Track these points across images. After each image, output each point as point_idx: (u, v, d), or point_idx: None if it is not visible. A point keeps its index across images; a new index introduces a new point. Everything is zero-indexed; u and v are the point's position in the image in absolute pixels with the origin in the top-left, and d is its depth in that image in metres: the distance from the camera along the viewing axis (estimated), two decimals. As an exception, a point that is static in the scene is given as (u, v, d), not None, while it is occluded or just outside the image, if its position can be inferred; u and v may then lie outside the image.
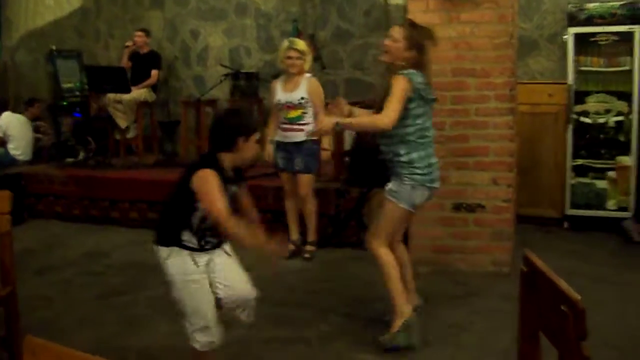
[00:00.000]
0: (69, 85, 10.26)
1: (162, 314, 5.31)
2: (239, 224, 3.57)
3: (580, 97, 7.38)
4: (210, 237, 3.77)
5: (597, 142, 7.37)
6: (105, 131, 10.26)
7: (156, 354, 4.68)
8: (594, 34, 7.26)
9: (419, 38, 4.53)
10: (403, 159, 4.50)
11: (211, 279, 3.79)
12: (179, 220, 3.71)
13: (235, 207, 3.76)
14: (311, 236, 6.87)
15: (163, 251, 3.73)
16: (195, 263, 3.72)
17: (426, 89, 4.51)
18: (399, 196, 4.53)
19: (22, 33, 12.70)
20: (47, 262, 6.83)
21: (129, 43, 10.10)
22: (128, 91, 9.55)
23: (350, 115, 4.70)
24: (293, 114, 6.52)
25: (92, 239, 7.74)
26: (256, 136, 3.74)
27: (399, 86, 4.36)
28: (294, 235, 6.90)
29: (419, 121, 4.51)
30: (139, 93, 9.77)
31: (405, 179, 4.51)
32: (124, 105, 9.72)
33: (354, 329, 4.94)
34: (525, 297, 2.55)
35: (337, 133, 7.56)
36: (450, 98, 5.99)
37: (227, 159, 3.70)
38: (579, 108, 7.39)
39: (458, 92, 5.98)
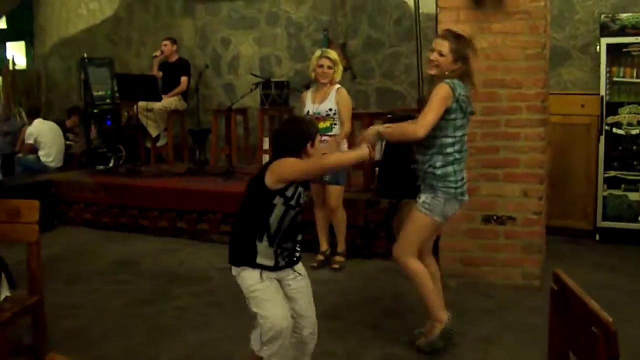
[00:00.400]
0: (100, 93, 10.31)
1: (189, 324, 5.32)
2: (328, 155, 3.99)
3: (612, 108, 7.30)
4: (285, 244, 3.76)
5: (630, 154, 7.28)
6: (136, 139, 10.33)
7: (183, 365, 4.67)
8: (626, 45, 7.18)
9: (464, 49, 4.52)
10: (438, 172, 4.47)
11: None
12: (254, 229, 3.70)
13: (302, 207, 3.81)
14: (340, 247, 6.84)
15: (243, 269, 3.74)
16: (262, 278, 3.73)
17: (467, 101, 4.50)
18: (431, 208, 4.50)
19: (54, 41, 12.82)
20: (76, 270, 6.86)
21: (156, 53, 10.18)
22: (159, 99, 9.61)
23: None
24: (322, 124, 6.49)
25: (121, 247, 7.77)
26: (318, 139, 3.84)
27: (440, 94, 4.36)
28: (324, 246, 6.88)
29: (458, 133, 4.50)
30: (169, 101, 9.83)
31: (439, 192, 4.48)
32: (154, 113, 9.79)
33: (382, 343, 4.89)
34: (555, 316, 2.50)
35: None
36: (481, 109, 5.91)
37: None
38: (611, 119, 7.30)
39: (489, 103, 5.92)
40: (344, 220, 6.78)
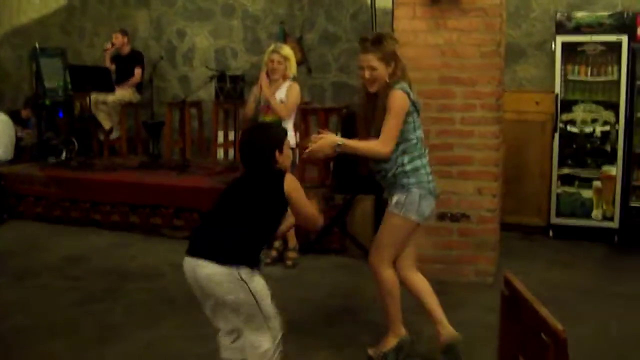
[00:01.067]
0: (52, 84, 10.14)
1: (140, 322, 5.24)
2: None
3: (567, 106, 7.35)
4: None
5: (584, 152, 7.34)
6: (89, 131, 10.18)
7: (132, 364, 4.60)
8: (582, 43, 7.23)
9: (389, 48, 4.34)
10: (407, 167, 4.31)
11: None
12: (267, 235, 3.73)
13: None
14: (291, 242, 6.78)
15: (243, 272, 3.49)
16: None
17: (417, 99, 4.41)
18: (406, 209, 4.30)
19: (6, 29, 12.59)
20: (26, 266, 6.72)
21: (107, 46, 10.03)
22: (112, 91, 9.47)
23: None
24: (270, 117, 6.48)
25: (72, 242, 7.64)
26: (287, 143, 3.82)
27: (398, 104, 4.22)
28: (275, 242, 6.81)
29: (418, 132, 4.40)
30: (122, 94, 9.71)
31: (412, 187, 4.30)
32: (108, 106, 9.67)
33: (336, 342, 4.86)
34: (505, 320, 2.49)
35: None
36: (435, 106, 5.92)
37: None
38: (565, 117, 7.35)
39: (444, 100, 5.92)
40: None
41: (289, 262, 6.65)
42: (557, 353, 1.98)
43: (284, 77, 6.56)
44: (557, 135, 7.40)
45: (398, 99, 4.23)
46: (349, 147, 4.29)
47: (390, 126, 4.22)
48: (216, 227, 3.60)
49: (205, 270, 3.48)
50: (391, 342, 4.53)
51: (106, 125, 9.90)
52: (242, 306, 3.53)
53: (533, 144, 7.61)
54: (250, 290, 3.50)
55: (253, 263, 3.55)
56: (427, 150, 4.52)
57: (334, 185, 7.21)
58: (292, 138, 6.52)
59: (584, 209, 7.39)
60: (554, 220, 7.53)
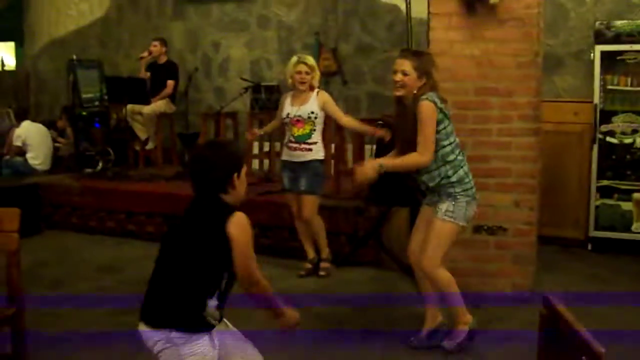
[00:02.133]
0: (89, 95, 10.22)
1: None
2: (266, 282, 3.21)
3: (606, 116, 7.23)
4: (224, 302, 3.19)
5: (623, 163, 7.21)
6: (125, 142, 10.24)
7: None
8: (621, 52, 7.11)
9: (426, 65, 4.61)
10: (453, 179, 4.59)
11: None
12: (206, 287, 3.08)
13: None
14: (323, 253, 6.75)
15: (176, 336, 3.01)
16: (214, 346, 3.11)
17: (446, 107, 4.60)
18: (456, 215, 4.59)
19: (44, 41, 12.73)
20: (60, 276, 6.75)
21: (143, 54, 10.04)
22: (148, 103, 9.51)
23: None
24: (301, 131, 6.42)
25: (106, 252, 7.67)
26: (245, 170, 3.23)
27: (427, 114, 4.46)
28: (310, 254, 6.77)
29: (452, 138, 4.62)
30: (157, 105, 9.74)
31: (460, 196, 4.59)
32: (143, 117, 9.70)
33: (372, 356, 4.81)
34: (544, 341, 2.41)
35: (359, 149, 7.48)
36: (472, 117, 5.85)
37: (227, 201, 3.17)
38: (604, 128, 7.24)
39: (480, 112, 5.85)
40: (321, 227, 6.67)
41: (322, 272, 6.64)
42: (599, 375, 1.91)
43: (311, 88, 6.49)
44: (595, 147, 7.28)
45: (425, 108, 4.46)
46: (391, 166, 4.54)
47: (425, 135, 4.45)
48: (152, 281, 3.18)
49: (144, 334, 3.11)
50: (462, 331, 4.79)
51: (142, 135, 9.94)
52: None
53: (571, 155, 7.49)
54: (181, 357, 3.02)
55: (192, 325, 3.04)
56: (464, 154, 4.76)
57: (369, 197, 7.14)
58: (320, 149, 6.54)
59: (624, 222, 7.25)
60: (593, 233, 7.40)
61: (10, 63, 13.08)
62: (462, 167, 4.64)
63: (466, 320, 4.80)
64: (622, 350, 4.42)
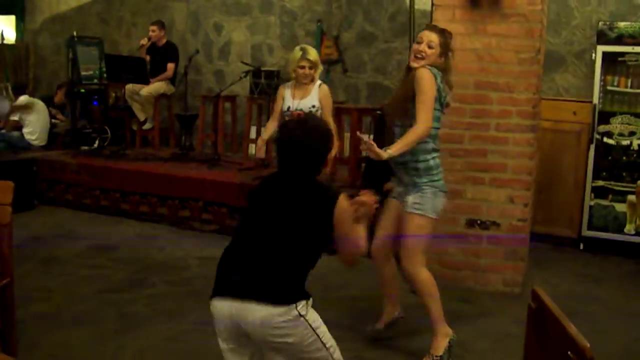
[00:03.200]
0: (88, 72, 10.18)
1: (161, 314, 5.23)
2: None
3: (605, 117, 7.24)
4: None
5: (619, 164, 7.22)
6: (123, 121, 10.23)
7: (151, 356, 4.56)
8: (623, 54, 7.11)
9: (448, 46, 4.53)
10: (421, 165, 4.41)
11: None
12: (314, 262, 3.18)
13: None
14: None
15: (301, 306, 3.03)
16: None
17: (444, 92, 4.46)
18: (424, 207, 4.40)
19: (45, 17, 12.68)
20: (52, 252, 6.74)
21: (143, 42, 9.97)
22: (146, 82, 9.50)
23: None
24: None
25: (100, 230, 7.66)
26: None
27: (428, 83, 4.31)
28: None
29: (436, 125, 4.46)
30: (157, 86, 9.72)
31: (425, 187, 4.42)
32: (142, 97, 9.68)
33: (357, 345, 4.80)
34: (531, 334, 2.42)
35: (356, 137, 7.45)
36: (470, 111, 5.85)
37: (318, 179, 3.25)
38: (602, 128, 7.24)
39: (479, 106, 5.84)
40: None
41: None
42: (584, 372, 1.92)
43: (312, 80, 6.42)
44: (592, 147, 7.29)
45: (426, 75, 4.32)
46: (397, 151, 4.26)
47: (425, 102, 4.30)
48: (260, 259, 3.07)
49: (259, 314, 2.96)
50: (442, 344, 4.50)
51: (140, 116, 9.93)
52: (304, 346, 3.07)
53: (568, 154, 7.49)
54: (310, 326, 3.06)
55: (306, 294, 3.10)
56: (438, 146, 4.62)
57: (364, 186, 7.14)
58: None
59: (617, 223, 7.27)
60: (586, 232, 7.42)
61: (10, 37, 13.02)
62: (433, 157, 4.46)
63: (446, 332, 4.53)
64: (608, 349, 4.44)
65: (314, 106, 6.27)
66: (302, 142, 3.14)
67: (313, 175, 3.19)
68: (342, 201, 3.13)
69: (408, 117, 4.37)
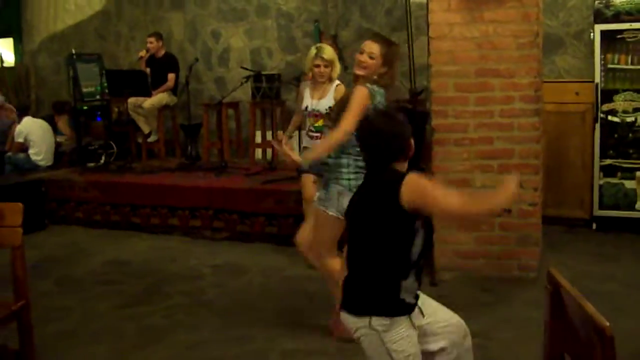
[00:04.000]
0: (89, 89, 10.22)
1: (180, 325, 5.23)
2: (469, 198, 3.09)
3: (608, 95, 7.20)
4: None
5: (626, 142, 7.18)
6: (127, 135, 10.24)
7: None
8: (621, 31, 7.07)
9: (392, 55, 4.56)
10: (331, 161, 4.48)
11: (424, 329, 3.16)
12: (397, 267, 3.00)
13: None
14: None
15: (377, 324, 2.95)
16: (414, 326, 3.05)
17: (382, 103, 4.49)
18: (327, 204, 4.47)
19: (43, 37, 12.70)
20: (66, 271, 6.76)
21: (141, 54, 9.99)
22: (148, 95, 9.51)
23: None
24: (320, 122, 6.24)
25: (112, 246, 7.67)
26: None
27: (360, 100, 4.35)
28: None
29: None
30: (159, 98, 9.73)
31: (332, 184, 4.48)
32: (145, 110, 9.69)
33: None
34: (550, 317, 2.41)
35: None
36: (473, 99, 5.84)
37: (398, 168, 3.14)
38: (606, 107, 7.21)
39: (482, 93, 5.83)
40: None
41: None
42: (604, 350, 1.91)
43: (330, 79, 6.37)
44: (598, 126, 7.25)
45: (361, 93, 4.38)
46: (317, 155, 4.45)
47: (348, 114, 4.30)
48: (350, 266, 3.12)
49: (345, 322, 3.09)
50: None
51: (145, 129, 9.94)
52: None
53: (573, 135, 7.47)
54: (385, 345, 2.95)
55: (390, 308, 2.98)
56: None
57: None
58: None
59: (628, 200, 7.23)
60: (597, 212, 7.38)
61: (9, 59, 13.06)
62: (348, 156, 4.44)
63: None
64: (627, 328, 4.43)
65: (330, 107, 6.18)
66: (376, 134, 3.13)
67: (387, 165, 3.11)
68: (411, 176, 2.97)
69: None
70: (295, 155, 4.37)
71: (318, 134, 6.26)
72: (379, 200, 3.01)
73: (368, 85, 4.42)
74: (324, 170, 4.61)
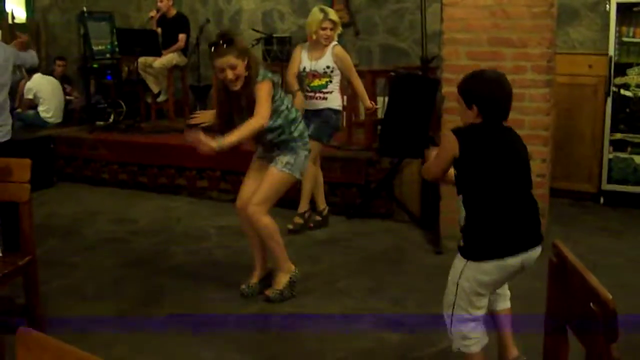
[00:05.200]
0: (100, 47, 10.20)
1: (184, 284, 5.26)
2: None
3: (621, 69, 7.14)
4: None
5: (637, 116, 7.13)
6: (137, 94, 10.21)
7: (178, 325, 4.59)
8: (637, 4, 7.00)
9: (241, 45, 4.65)
10: (295, 133, 4.85)
11: None
12: None
13: None
14: (302, 207, 6.65)
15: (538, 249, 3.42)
16: None
17: (275, 75, 4.76)
18: (294, 168, 4.84)
19: (55, -7, 12.63)
20: (73, 228, 6.81)
21: (152, 14, 9.94)
22: (159, 55, 9.47)
23: None
24: (317, 82, 6.41)
25: (119, 204, 7.70)
26: None
27: (265, 91, 4.57)
28: (302, 207, 6.66)
29: (286, 101, 4.87)
30: (169, 58, 9.67)
31: (300, 150, 4.87)
32: (155, 70, 9.65)
33: (380, 307, 4.81)
34: (553, 289, 2.41)
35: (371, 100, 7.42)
36: (485, 68, 5.79)
37: None
38: (619, 80, 7.15)
39: (493, 63, 5.76)
40: (313, 178, 6.51)
41: (291, 227, 6.52)
42: (606, 323, 1.91)
43: (331, 40, 6.42)
44: (609, 99, 7.20)
45: (264, 88, 4.57)
46: (227, 144, 4.53)
47: (259, 105, 4.54)
48: (527, 206, 3.39)
49: (536, 254, 3.41)
50: (284, 279, 4.95)
51: (154, 88, 9.90)
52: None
53: (585, 108, 7.42)
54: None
55: None
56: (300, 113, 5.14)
57: (380, 149, 7.12)
58: (336, 99, 6.55)
59: (637, 176, 7.19)
60: (605, 186, 7.35)
61: (21, 15, 12.99)
62: (300, 122, 4.92)
63: (288, 268, 4.96)
64: (632, 302, 4.43)
65: (328, 67, 6.37)
66: (509, 93, 3.48)
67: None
68: None
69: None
70: (212, 143, 4.49)
71: (313, 93, 6.47)
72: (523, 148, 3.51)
73: (262, 74, 4.60)
74: (285, 142, 4.86)
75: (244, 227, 5.07)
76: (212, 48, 4.59)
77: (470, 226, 3.33)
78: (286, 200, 5.45)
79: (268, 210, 4.84)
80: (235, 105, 4.73)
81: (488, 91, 3.41)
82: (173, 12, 9.97)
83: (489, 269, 3.29)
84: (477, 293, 3.33)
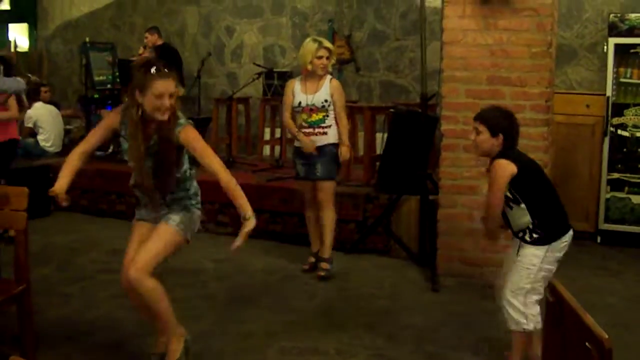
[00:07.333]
0: (101, 77, 10.25)
1: (179, 317, 5.17)
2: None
3: (618, 109, 7.19)
4: None
5: (634, 156, 7.17)
6: (136, 125, 10.22)
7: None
8: (635, 45, 7.07)
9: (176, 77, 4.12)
10: (191, 191, 4.34)
11: None
12: None
13: None
14: (326, 252, 6.32)
15: None
16: None
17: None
18: (187, 228, 4.29)
19: (57, 23, 12.75)
20: (69, 258, 6.79)
21: (140, 51, 9.94)
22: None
23: None
24: (315, 117, 6.16)
25: (116, 235, 7.64)
26: None
27: (199, 136, 4.11)
28: (314, 247, 6.48)
29: (187, 155, 4.23)
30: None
31: (195, 209, 4.37)
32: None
33: (376, 344, 4.79)
34: (550, 328, 2.41)
35: (370, 136, 7.46)
36: (484, 106, 5.81)
37: None
38: (616, 120, 7.20)
39: (492, 101, 5.78)
40: (333, 220, 6.29)
41: (322, 273, 6.25)
42: (603, 363, 1.91)
43: (327, 71, 6.27)
44: (607, 139, 7.25)
45: (195, 132, 4.11)
46: (250, 207, 4.15)
47: (207, 149, 4.13)
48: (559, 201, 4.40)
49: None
50: (178, 346, 4.33)
51: (154, 119, 9.92)
52: None
53: (582, 147, 7.45)
54: None
55: None
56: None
57: (378, 185, 7.14)
58: (335, 133, 6.21)
59: (634, 215, 7.21)
60: (602, 225, 7.37)
61: (24, 45, 13.09)
62: (195, 179, 4.38)
63: (180, 333, 4.34)
64: (627, 342, 4.42)
65: (326, 101, 6.13)
66: (514, 123, 4.24)
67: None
68: None
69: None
70: (249, 225, 4.10)
71: (312, 129, 6.17)
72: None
73: (184, 121, 4.06)
74: (181, 201, 4.32)
75: (133, 301, 4.41)
76: (153, 69, 3.92)
77: (542, 221, 4.15)
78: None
79: (152, 271, 4.13)
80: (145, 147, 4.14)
81: (509, 123, 4.18)
82: (159, 42, 9.90)
83: (561, 246, 4.24)
84: (550, 271, 4.21)
